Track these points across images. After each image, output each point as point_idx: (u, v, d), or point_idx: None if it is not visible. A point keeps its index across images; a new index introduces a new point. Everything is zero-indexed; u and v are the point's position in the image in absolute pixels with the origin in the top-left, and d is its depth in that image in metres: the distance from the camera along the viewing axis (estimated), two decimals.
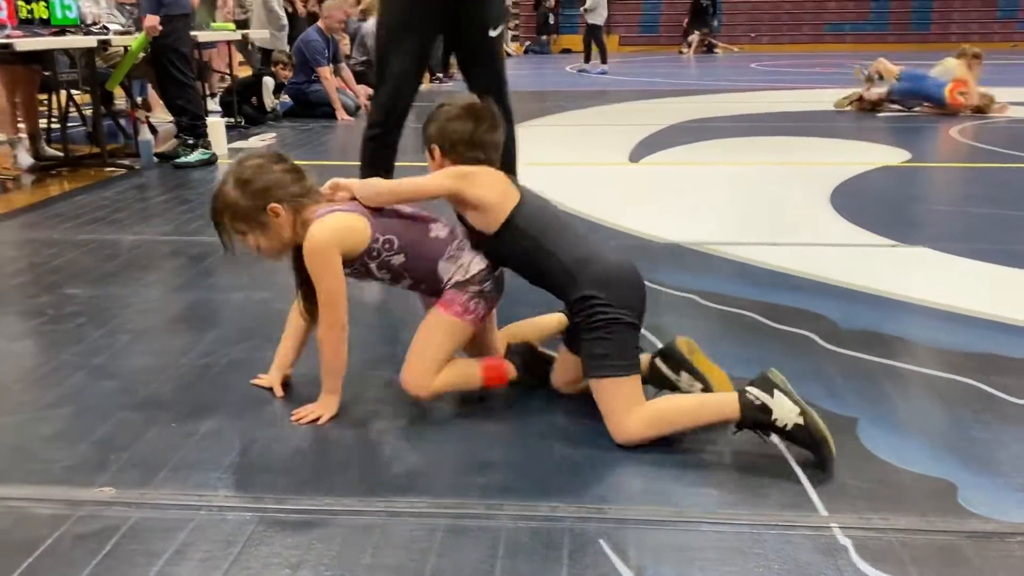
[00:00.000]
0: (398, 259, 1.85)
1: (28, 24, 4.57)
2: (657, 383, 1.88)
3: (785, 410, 1.64)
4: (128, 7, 5.95)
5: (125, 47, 5.13)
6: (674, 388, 1.87)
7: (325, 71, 7.35)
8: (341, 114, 7.32)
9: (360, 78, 8.38)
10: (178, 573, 1.34)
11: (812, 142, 5.89)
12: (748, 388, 1.69)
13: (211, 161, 5.13)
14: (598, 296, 1.74)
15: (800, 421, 1.63)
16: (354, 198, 1.86)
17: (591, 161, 5.23)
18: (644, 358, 1.87)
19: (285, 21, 8.51)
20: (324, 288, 1.79)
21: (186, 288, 2.83)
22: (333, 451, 1.74)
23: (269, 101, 7.18)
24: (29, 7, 4.62)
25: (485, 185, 1.85)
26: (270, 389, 1.99)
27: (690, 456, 1.71)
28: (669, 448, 1.73)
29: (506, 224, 1.83)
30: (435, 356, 1.84)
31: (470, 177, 1.85)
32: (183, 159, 5.06)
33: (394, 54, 2.83)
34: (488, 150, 1.93)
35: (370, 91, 8.42)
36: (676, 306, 2.58)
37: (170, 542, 1.42)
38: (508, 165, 3.08)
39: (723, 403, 1.72)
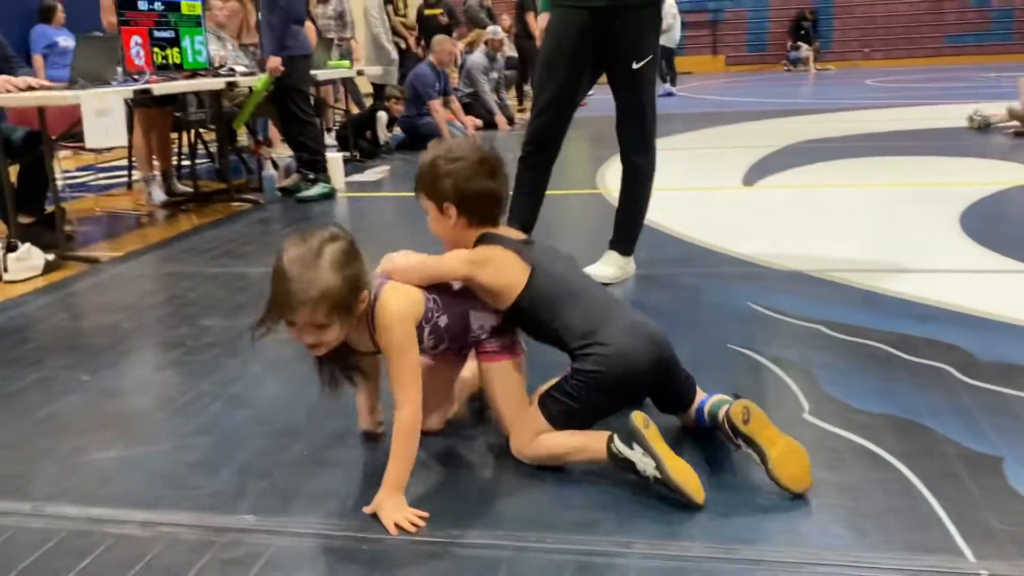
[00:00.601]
0: (443, 320, 1.82)
1: (164, 69, 4.87)
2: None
3: (643, 464, 1.64)
4: (252, 49, 6.28)
5: (250, 87, 5.40)
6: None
7: (436, 104, 7.54)
8: None
9: (468, 109, 8.56)
10: None
11: (938, 161, 5.64)
12: (613, 439, 1.69)
13: (330, 195, 5.32)
14: (583, 374, 1.75)
15: (656, 475, 1.62)
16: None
17: (704, 185, 5.17)
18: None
19: (394, 56, 8.78)
20: (406, 363, 1.66)
21: None
22: (461, 484, 1.77)
23: (383, 135, 7.41)
24: (164, 53, 4.92)
25: (499, 272, 1.84)
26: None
27: (823, 496, 1.65)
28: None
29: (514, 306, 1.85)
30: (524, 406, 1.87)
31: (486, 265, 1.84)
32: (304, 193, 5.27)
33: (548, 84, 3.03)
34: (504, 204, 1.94)
35: (478, 122, 8.64)
36: (800, 336, 2.51)
37: (310, 570, 1.47)
38: (639, 204, 3.14)
39: (598, 450, 1.71)
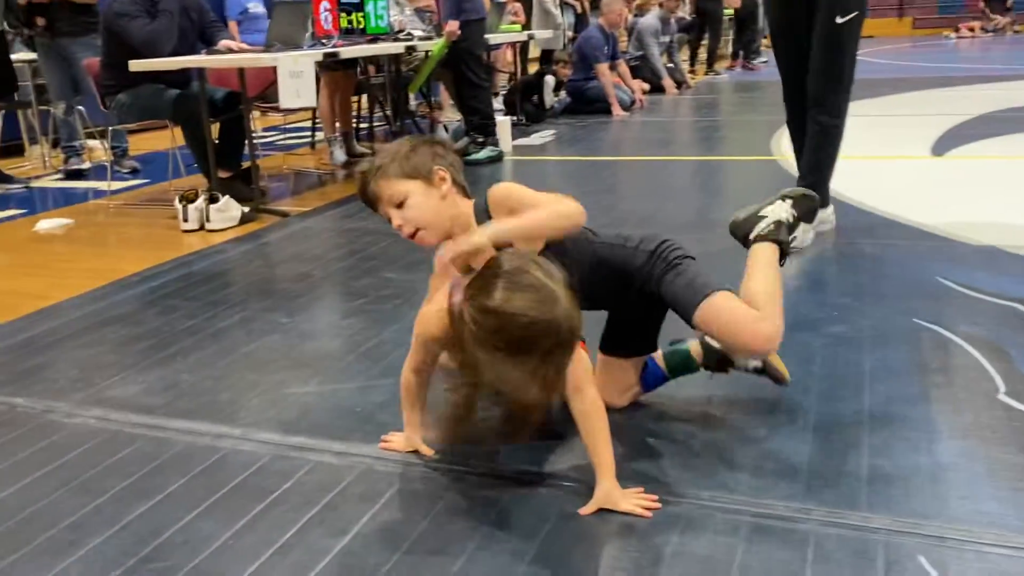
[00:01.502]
0: None
1: (348, 33, 5.09)
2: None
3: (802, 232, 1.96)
4: (428, 13, 6.45)
5: (426, 52, 5.56)
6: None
7: (603, 68, 7.49)
8: (616, 109, 7.42)
9: (635, 73, 8.45)
10: (498, 538, 1.46)
11: None
12: (783, 241, 1.84)
13: (498, 158, 5.43)
14: (662, 240, 1.76)
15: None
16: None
17: (890, 154, 4.89)
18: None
19: (560, 20, 8.78)
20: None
21: None
22: (637, 445, 1.79)
23: (549, 99, 7.45)
24: (349, 18, 5.14)
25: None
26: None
27: (1016, 480, 1.57)
28: (985, 462, 1.61)
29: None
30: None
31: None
32: (473, 156, 5.40)
33: (777, 56, 3.17)
34: None
35: (645, 86, 8.52)
36: (995, 315, 2.36)
37: (489, 510, 1.55)
38: (824, 168, 3.11)
39: (774, 257, 1.81)
